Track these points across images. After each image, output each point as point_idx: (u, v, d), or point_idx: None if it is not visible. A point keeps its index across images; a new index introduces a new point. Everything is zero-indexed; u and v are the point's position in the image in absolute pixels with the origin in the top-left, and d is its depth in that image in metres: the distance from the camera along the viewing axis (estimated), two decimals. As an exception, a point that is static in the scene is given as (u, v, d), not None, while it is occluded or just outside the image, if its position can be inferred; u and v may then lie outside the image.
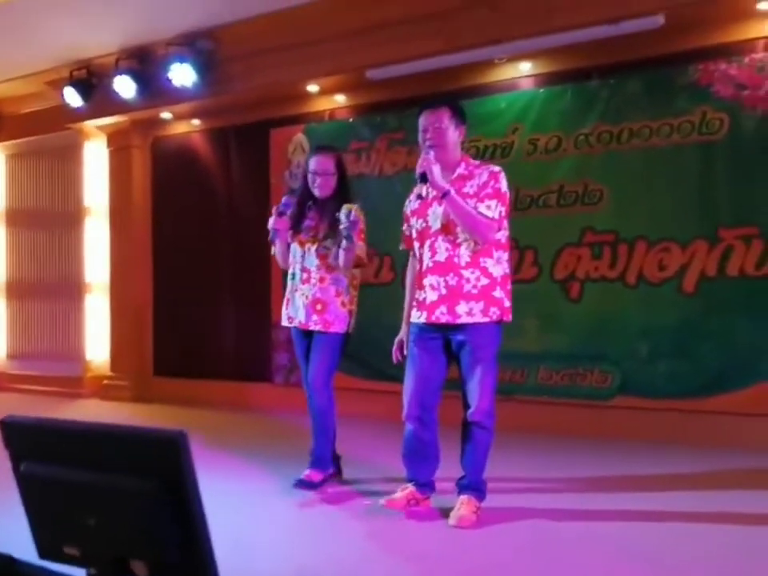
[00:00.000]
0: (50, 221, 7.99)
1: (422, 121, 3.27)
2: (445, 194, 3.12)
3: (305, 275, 3.78)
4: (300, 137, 6.33)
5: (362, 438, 4.86)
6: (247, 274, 6.73)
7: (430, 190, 3.24)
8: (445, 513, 3.31)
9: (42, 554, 1.59)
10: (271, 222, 3.78)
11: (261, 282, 6.52)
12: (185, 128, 7.21)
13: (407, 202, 3.46)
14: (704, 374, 4.79)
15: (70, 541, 1.54)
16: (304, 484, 3.71)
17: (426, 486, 3.42)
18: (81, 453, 1.43)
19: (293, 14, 5.71)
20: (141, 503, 1.36)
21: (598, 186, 5.11)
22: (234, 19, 5.94)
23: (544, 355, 5.30)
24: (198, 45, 6.21)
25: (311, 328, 3.77)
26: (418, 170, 3.14)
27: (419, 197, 3.28)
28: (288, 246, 3.86)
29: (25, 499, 1.54)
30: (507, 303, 3.28)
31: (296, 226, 3.80)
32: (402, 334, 3.51)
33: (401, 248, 3.56)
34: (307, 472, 3.77)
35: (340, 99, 6.25)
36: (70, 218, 7.76)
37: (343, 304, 3.78)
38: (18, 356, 8.26)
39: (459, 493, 3.33)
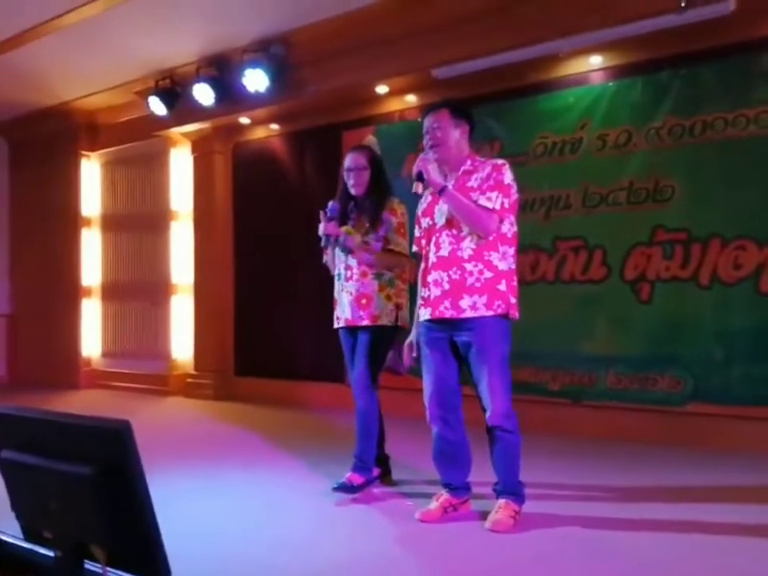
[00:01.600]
0: (139, 225, 8.36)
1: (425, 124, 3.30)
2: (442, 190, 3.12)
3: (348, 273, 3.80)
4: (370, 138, 6.35)
5: (422, 440, 4.83)
6: (322, 275, 6.80)
7: (429, 188, 3.24)
8: (484, 516, 3.25)
9: (27, 537, 1.66)
10: (322, 228, 3.78)
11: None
12: (263, 133, 7.39)
13: (419, 205, 3.46)
14: (784, 381, 4.50)
15: (44, 525, 1.61)
16: (344, 488, 3.69)
17: (461, 489, 3.37)
18: (41, 441, 1.48)
19: (360, 17, 5.77)
20: (91, 489, 1.39)
21: (670, 182, 4.89)
22: (304, 23, 6.05)
23: (614, 359, 5.11)
24: (272, 50, 6.36)
25: (359, 324, 3.76)
26: (415, 170, 3.16)
27: (415, 194, 3.27)
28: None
29: (7, 485, 1.61)
30: (513, 299, 3.22)
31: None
32: (413, 336, 3.46)
33: (413, 251, 3.53)
34: (348, 475, 3.75)
35: (410, 99, 6.25)
36: (157, 222, 8.10)
37: (389, 297, 3.75)
38: (111, 354, 8.67)
39: (497, 497, 3.27)
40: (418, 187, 3.20)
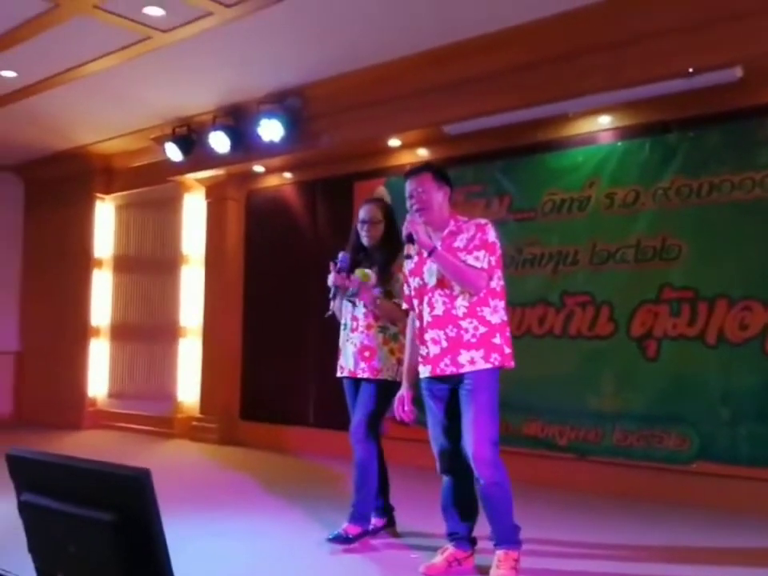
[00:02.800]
0: (150, 267, 8.45)
1: (407, 187, 3.40)
2: (432, 251, 3.19)
3: (354, 324, 3.85)
4: (381, 189, 6.47)
5: (427, 491, 4.83)
6: (330, 322, 6.86)
7: (417, 248, 3.30)
8: (488, 570, 3.24)
9: (41, 579, 1.69)
10: (331, 279, 3.83)
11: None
12: (276, 181, 7.52)
13: (405, 264, 3.53)
14: (791, 442, 4.50)
15: (59, 568, 1.63)
16: (339, 539, 3.69)
17: (466, 540, 3.38)
18: (61, 485, 1.52)
19: (375, 72, 5.92)
20: (109, 536, 1.42)
21: (677, 241, 4.95)
22: (320, 78, 6.21)
23: (620, 415, 5.11)
24: (288, 102, 6.51)
25: (359, 375, 3.80)
26: (404, 232, 3.26)
27: (408, 257, 3.36)
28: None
29: (26, 527, 1.64)
30: (507, 350, 3.30)
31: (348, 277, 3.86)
32: (403, 390, 3.52)
33: (403, 308, 3.60)
34: (345, 525, 3.75)
35: (422, 153, 6.36)
36: (168, 265, 8.19)
37: (392, 351, 3.80)
38: (117, 395, 8.68)
39: (495, 546, 3.29)
40: (409, 249, 3.30)
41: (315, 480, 5.65)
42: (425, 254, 3.28)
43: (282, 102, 6.53)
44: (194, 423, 7.75)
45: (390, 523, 3.96)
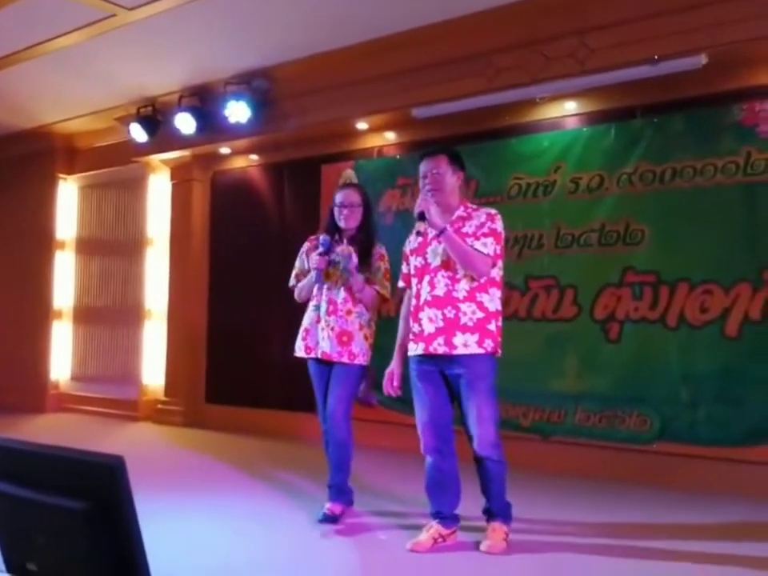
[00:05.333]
0: (114, 249, 8.34)
1: (422, 167, 3.45)
2: (441, 231, 3.25)
3: (331, 307, 3.84)
4: (349, 172, 6.45)
5: (385, 469, 4.89)
6: (296, 305, 6.84)
7: (428, 228, 3.36)
8: (473, 546, 3.38)
9: (9, 569, 1.67)
10: (315, 261, 3.82)
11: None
12: (243, 162, 7.46)
13: (407, 243, 3.59)
14: (749, 422, 4.61)
15: (29, 557, 1.62)
16: (327, 519, 3.76)
17: (450, 518, 3.46)
18: (31, 473, 1.51)
19: (343, 55, 5.89)
20: (80, 524, 1.42)
21: (640, 225, 5.03)
22: (287, 59, 6.16)
23: (582, 396, 5.21)
24: (254, 84, 6.45)
25: (335, 359, 3.82)
26: (417, 210, 3.31)
27: (418, 233, 3.40)
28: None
29: (-5, 515, 1.63)
30: (498, 338, 3.38)
31: None
32: (394, 365, 3.59)
33: (399, 286, 3.67)
34: (328, 505, 3.82)
35: (389, 136, 6.36)
36: (133, 247, 8.10)
37: (366, 337, 3.86)
38: (81, 378, 8.58)
39: (487, 520, 3.43)
40: (419, 226, 3.32)
41: (281, 461, 5.66)
42: (431, 234, 3.34)
43: (249, 84, 6.47)
44: (159, 406, 7.71)
45: (349, 504, 3.99)
